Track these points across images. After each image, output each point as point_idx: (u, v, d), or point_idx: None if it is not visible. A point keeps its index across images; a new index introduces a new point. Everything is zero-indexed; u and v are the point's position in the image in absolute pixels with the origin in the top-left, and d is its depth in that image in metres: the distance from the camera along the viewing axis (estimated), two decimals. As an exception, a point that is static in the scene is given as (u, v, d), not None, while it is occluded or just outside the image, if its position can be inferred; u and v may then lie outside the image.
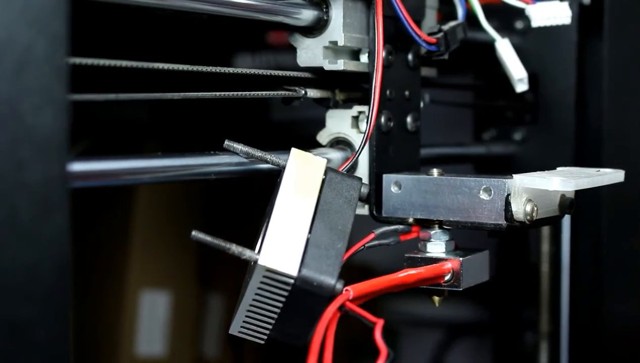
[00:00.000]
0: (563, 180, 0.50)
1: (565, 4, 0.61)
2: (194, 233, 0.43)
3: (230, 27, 0.81)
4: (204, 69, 0.48)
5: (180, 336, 1.03)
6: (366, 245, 0.51)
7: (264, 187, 0.52)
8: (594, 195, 0.69)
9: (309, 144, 0.55)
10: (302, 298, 0.44)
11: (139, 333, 1.00)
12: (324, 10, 0.53)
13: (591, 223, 0.72)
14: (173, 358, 1.02)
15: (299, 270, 0.44)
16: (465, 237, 0.56)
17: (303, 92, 0.54)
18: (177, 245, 1.02)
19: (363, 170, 0.55)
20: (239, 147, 0.49)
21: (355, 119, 0.56)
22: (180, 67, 0.47)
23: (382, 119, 0.55)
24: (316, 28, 0.54)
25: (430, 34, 0.57)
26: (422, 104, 0.60)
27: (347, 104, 0.57)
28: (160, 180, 0.46)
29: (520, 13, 0.62)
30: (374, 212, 0.54)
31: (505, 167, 0.72)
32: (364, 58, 0.55)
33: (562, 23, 0.61)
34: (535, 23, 0.61)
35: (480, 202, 0.51)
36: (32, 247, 0.36)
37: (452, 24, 0.58)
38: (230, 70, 0.51)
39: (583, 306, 0.73)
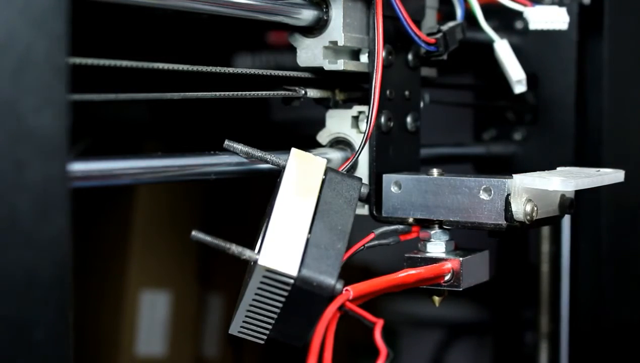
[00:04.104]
0: (563, 180, 0.50)
1: (564, 10, 0.61)
2: (194, 233, 0.43)
3: (230, 27, 0.81)
4: (204, 69, 0.48)
5: (180, 336, 1.03)
6: (366, 245, 0.51)
7: (264, 187, 0.52)
8: (594, 195, 0.69)
9: (309, 144, 0.55)
10: (302, 299, 0.44)
11: (139, 333, 1.00)
12: (324, 10, 0.53)
13: (591, 223, 0.72)
14: (173, 358, 1.02)
15: (299, 270, 0.44)
16: (465, 237, 0.56)
17: (303, 92, 0.54)
18: (177, 245, 1.02)
19: (363, 170, 0.55)
20: (239, 147, 0.49)
21: (355, 119, 0.56)
22: (180, 67, 0.47)
23: (382, 119, 0.55)
24: (316, 28, 0.54)
25: (429, 35, 0.57)
26: (422, 104, 0.60)
27: (347, 104, 0.57)
28: (160, 180, 0.46)
29: (520, 13, 0.62)
30: (374, 212, 0.54)
31: (505, 167, 0.72)
32: (364, 58, 0.55)
33: (560, 28, 0.61)
34: (532, 26, 0.61)
35: (480, 202, 0.51)
36: (32, 247, 0.36)
37: (451, 24, 0.58)
38: (230, 70, 0.51)
39: (583, 306, 0.73)
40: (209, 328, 1.06)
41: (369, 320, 0.44)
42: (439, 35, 0.57)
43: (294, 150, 0.49)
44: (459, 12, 0.60)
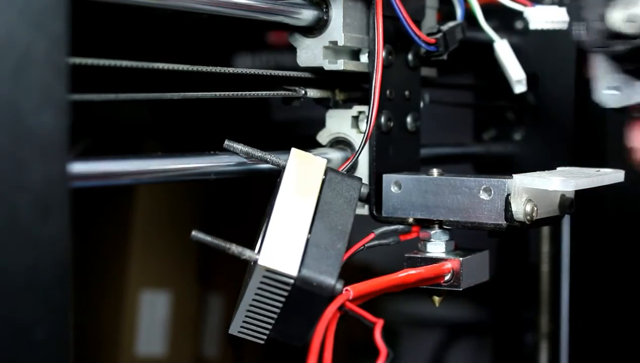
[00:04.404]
0: (563, 180, 0.50)
1: (564, 10, 0.61)
2: (194, 233, 0.43)
3: (230, 27, 0.81)
4: (204, 69, 0.48)
5: (180, 336, 1.03)
6: (366, 245, 0.51)
7: (264, 187, 0.52)
8: (594, 195, 0.69)
9: (309, 144, 0.55)
10: (302, 299, 0.44)
11: (139, 333, 1.00)
12: (324, 10, 0.53)
13: (591, 224, 0.72)
14: (173, 358, 1.02)
15: (299, 270, 0.44)
16: (465, 237, 0.56)
17: (303, 92, 0.54)
18: (177, 245, 1.02)
19: (363, 170, 0.55)
20: (239, 147, 0.49)
21: (355, 119, 0.56)
22: (180, 67, 0.47)
23: (382, 119, 0.55)
24: (316, 28, 0.54)
25: (429, 34, 0.57)
26: (422, 104, 0.60)
27: (347, 104, 0.57)
28: (160, 180, 0.46)
29: (520, 13, 0.62)
30: (374, 212, 0.54)
31: (505, 167, 0.72)
32: (364, 58, 0.55)
33: (560, 28, 0.61)
34: (533, 26, 0.61)
35: (480, 202, 0.51)
36: (32, 247, 0.36)
37: (450, 24, 0.58)
38: (230, 70, 0.51)
39: (583, 306, 0.73)
40: (209, 328, 1.06)
41: (369, 320, 0.44)
42: (439, 35, 0.57)
43: (294, 150, 0.49)
44: (459, 12, 0.60)
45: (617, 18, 0.50)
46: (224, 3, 0.48)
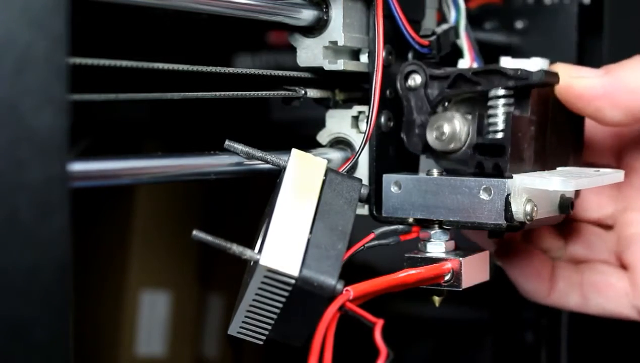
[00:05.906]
0: (563, 180, 0.50)
1: None
2: (194, 233, 0.43)
3: (230, 27, 0.81)
4: (204, 69, 0.48)
5: (180, 336, 1.03)
6: (366, 245, 0.51)
7: (264, 187, 0.52)
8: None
9: (309, 144, 0.55)
10: (302, 299, 0.44)
11: (139, 333, 1.00)
12: (324, 10, 0.53)
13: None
14: (173, 358, 1.02)
15: (300, 271, 0.44)
16: (465, 237, 0.56)
17: (303, 92, 0.54)
18: (177, 245, 1.02)
19: (363, 170, 0.55)
20: (239, 147, 0.49)
21: (355, 119, 0.56)
22: (180, 67, 0.46)
23: (382, 119, 0.55)
24: (316, 28, 0.54)
25: (423, 37, 0.56)
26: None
27: (347, 104, 0.57)
28: (160, 180, 0.46)
29: (520, 13, 0.62)
30: (374, 212, 0.54)
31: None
32: (364, 58, 0.55)
33: None
34: None
35: (480, 202, 0.51)
36: (32, 247, 0.36)
37: (444, 27, 0.58)
38: (230, 70, 0.51)
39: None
40: (209, 328, 1.06)
41: (369, 320, 0.44)
42: (433, 37, 0.57)
43: (294, 150, 0.49)
44: (453, 15, 0.59)
45: (429, 136, 0.54)
46: (224, 3, 0.48)
